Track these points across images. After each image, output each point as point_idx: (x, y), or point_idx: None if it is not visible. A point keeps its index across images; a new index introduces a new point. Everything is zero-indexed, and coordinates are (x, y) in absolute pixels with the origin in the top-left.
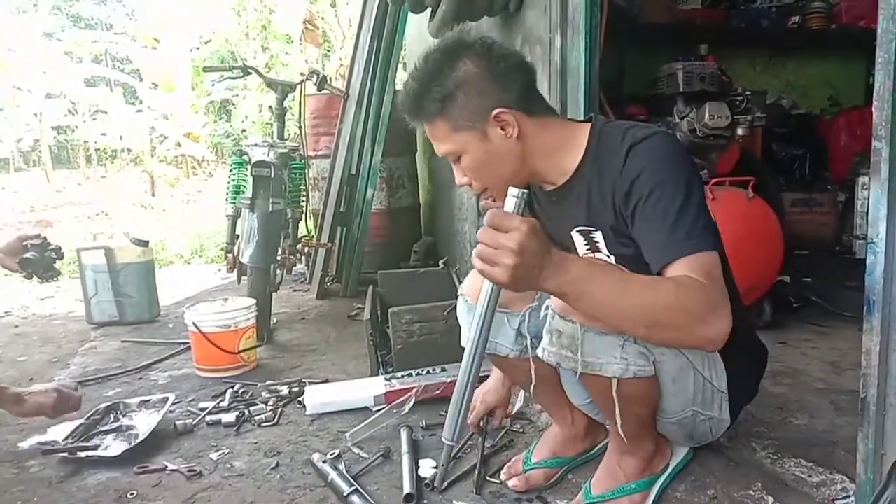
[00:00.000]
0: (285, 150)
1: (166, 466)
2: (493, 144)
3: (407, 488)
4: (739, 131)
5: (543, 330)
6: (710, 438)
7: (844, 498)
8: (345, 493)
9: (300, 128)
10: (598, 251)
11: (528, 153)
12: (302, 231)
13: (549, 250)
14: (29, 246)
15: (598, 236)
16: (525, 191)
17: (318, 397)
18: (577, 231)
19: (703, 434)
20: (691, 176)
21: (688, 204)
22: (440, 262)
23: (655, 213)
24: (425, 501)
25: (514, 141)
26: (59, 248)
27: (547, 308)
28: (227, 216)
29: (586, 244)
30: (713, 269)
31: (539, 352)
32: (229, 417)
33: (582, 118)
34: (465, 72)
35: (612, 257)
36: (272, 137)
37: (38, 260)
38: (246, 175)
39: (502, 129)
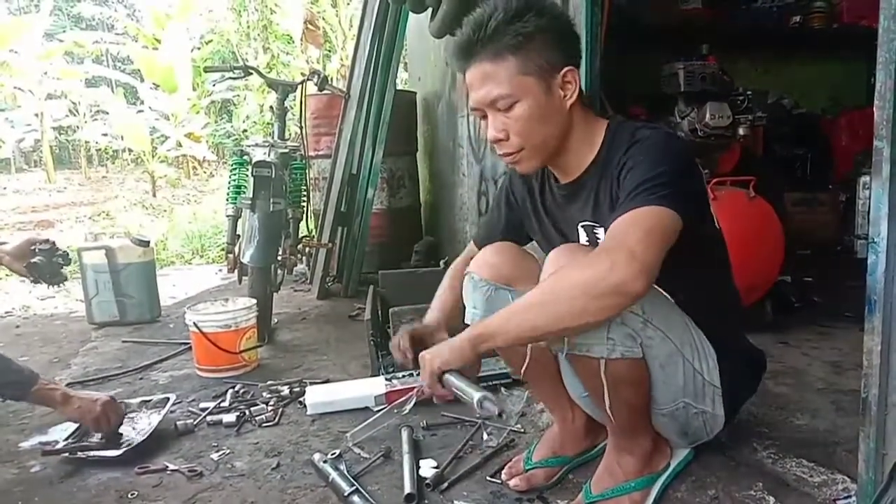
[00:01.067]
0: (286, 151)
1: (167, 466)
2: (552, 101)
3: (408, 488)
4: (741, 131)
5: None
6: (705, 436)
7: (846, 498)
8: (345, 493)
9: (301, 128)
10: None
11: (568, 128)
12: (303, 231)
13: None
14: (37, 251)
15: (600, 233)
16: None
17: (318, 397)
18: (582, 226)
19: (698, 430)
20: (671, 164)
21: (651, 180)
22: (441, 262)
23: (623, 190)
24: (426, 501)
25: (567, 108)
26: (67, 253)
27: None
28: (227, 216)
29: (587, 241)
30: (645, 221)
31: None
32: (230, 417)
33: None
34: (547, 21)
35: None
36: (273, 137)
37: (45, 265)
38: (247, 175)
39: (563, 89)
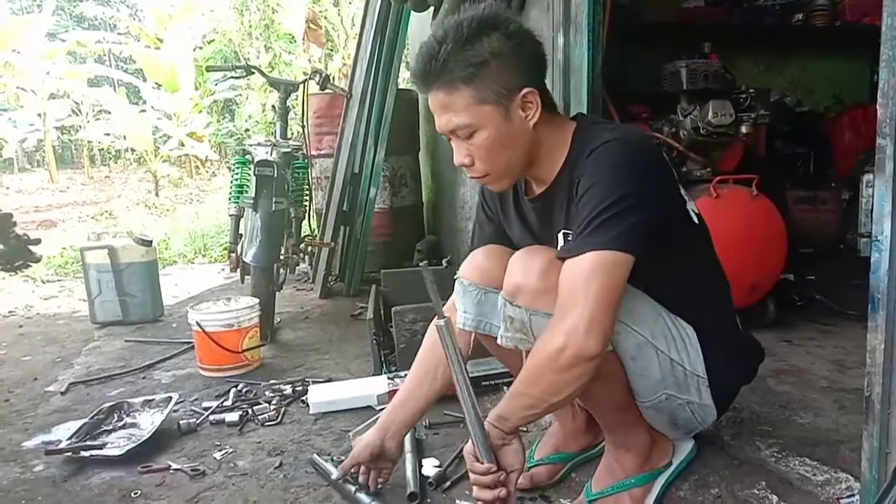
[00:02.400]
0: (288, 150)
1: (170, 466)
2: (512, 125)
3: (410, 487)
4: (743, 129)
5: (499, 319)
6: (699, 427)
7: (849, 496)
8: (353, 492)
9: (303, 127)
10: None
11: (535, 144)
12: (305, 230)
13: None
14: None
15: None
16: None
17: (321, 396)
18: (561, 234)
19: (688, 421)
20: (634, 183)
21: (611, 208)
22: (443, 261)
23: (579, 215)
24: (429, 500)
25: (530, 127)
26: (26, 234)
27: (501, 296)
28: (230, 216)
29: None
30: (597, 275)
31: (499, 339)
32: (233, 417)
33: (570, 116)
34: (501, 44)
35: None
36: (275, 137)
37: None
38: (249, 175)
39: (524, 111)
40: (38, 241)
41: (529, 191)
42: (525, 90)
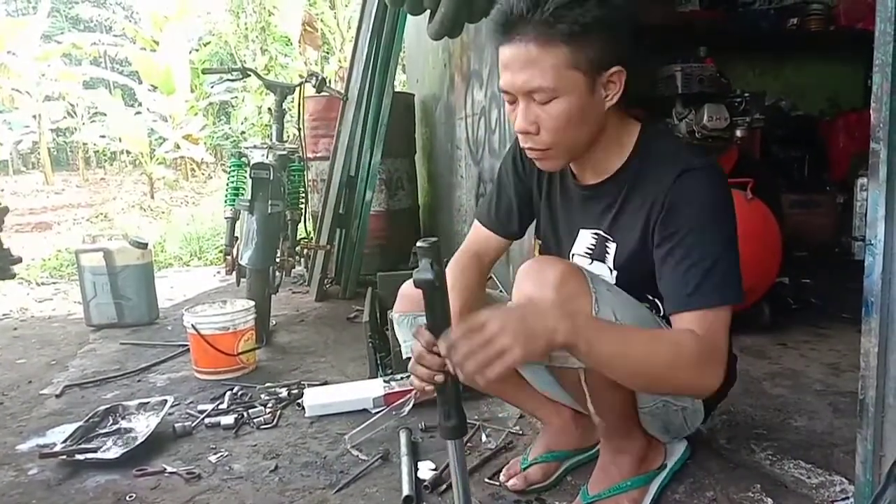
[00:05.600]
0: (284, 152)
1: (165, 469)
2: (593, 101)
3: (406, 490)
4: (738, 133)
5: None
6: (687, 431)
7: (843, 499)
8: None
9: (299, 130)
10: (603, 261)
11: (602, 130)
12: (301, 233)
13: (536, 307)
14: None
15: (611, 248)
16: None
17: (317, 399)
18: (592, 233)
19: (679, 426)
20: (733, 224)
21: (723, 257)
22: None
23: (689, 255)
24: (424, 503)
25: (604, 110)
26: (9, 250)
27: None
28: (225, 218)
29: (589, 249)
30: (719, 326)
31: None
32: (228, 420)
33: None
34: (609, 13)
35: (615, 273)
36: (271, 139)
37: None
38: (245, 177)
39: (606, 90)
40: (19, 260)
41: (574, 176)
42: (615, 68)
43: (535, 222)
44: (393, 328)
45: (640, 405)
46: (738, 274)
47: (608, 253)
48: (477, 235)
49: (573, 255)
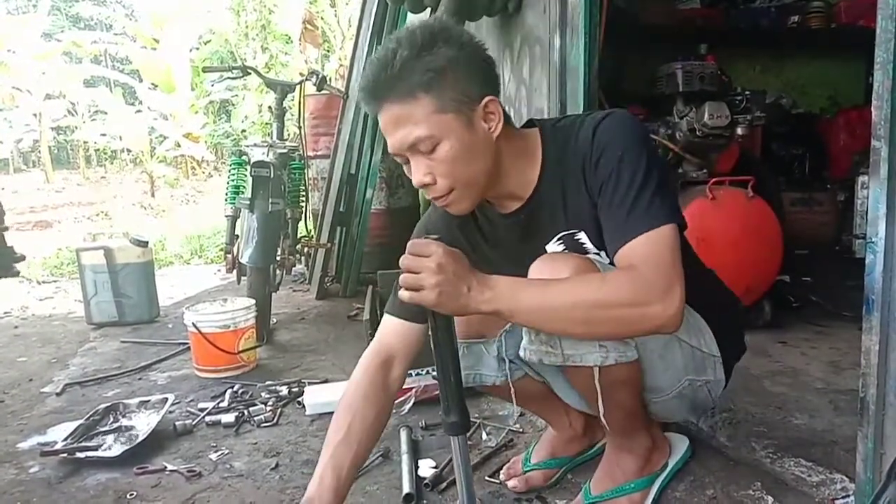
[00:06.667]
0: (285, 151)
1: (166, 467)
2: (475, 135)
3: (406, 488)
4: (739, 131)
5: (523, 330)
6: (711, 404)
7: (844, 497)
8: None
9: (299, 128)
10: (585, 252)
11: (501, 156)
12: (301, 231)
13: (471, 270)
14: None
15: (582, 236)
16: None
17: (317, 397)
18: (557, 241)
19: (704, 400)
20: (651, 151)
21: (647, 182)
22: None
23: (616, 195)
24: (425, 501)
25: (493, 138)
26: (12, 248)
27: None
28: (226, 216)
29: (565, 249)
30: (659, 248)
31: (521, 352)
32: (229, 418)
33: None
34: (457, 52)
35: (602, 253)
36: (271, 138)
37: None
38: (245, 175)
39: (486, 122)
40: (22, 258)
41: (499, 210)
42: (486, 98)
43: None
44: None
45: (666, 392)
46: (668, 195)
47: (583, 243)
48: (386, 330)
49: None
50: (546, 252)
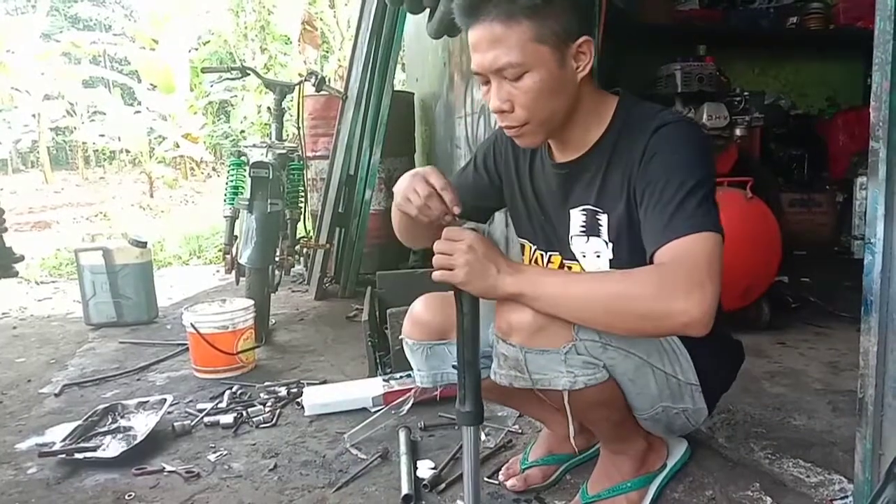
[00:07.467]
0: (284, 151)
1: (164, 468)
2: (564, 73)
3: (405, 489)
4: (738, 132)
5: (493, 354)
6: (691, 428)
7: (842, 498)
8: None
9: (298, 129)
10: (598, 235)
11: (577, 102)
12: (300, 232)
13: (502, 254)
14: None
15: (603, 219)
16: (482, 226)
17: (316, 398)
18: (581, 210)
19: (682, 426)
20: (708, 164)
21: (696, 189)
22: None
23: (663, 196)
24: (424, 502)
25: (578, 80)
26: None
27: (494, 333)
28: (225, 217)
29: (583, 226)
30: (696, 251)
31: (491, 374)
32: (227, 419)
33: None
34: None
35: (610, 244)
36: (270, 138)
37: None
38: (244, 176)
39: (576, 61)
40: (21, 259)
41: (553, 156)
42: (583, 38)
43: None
44: (392, 327)
45: (639, 412)
46: (715, 207)
47: (601, 225)
48: None
49: (571, 237)
50: (569, 215)
